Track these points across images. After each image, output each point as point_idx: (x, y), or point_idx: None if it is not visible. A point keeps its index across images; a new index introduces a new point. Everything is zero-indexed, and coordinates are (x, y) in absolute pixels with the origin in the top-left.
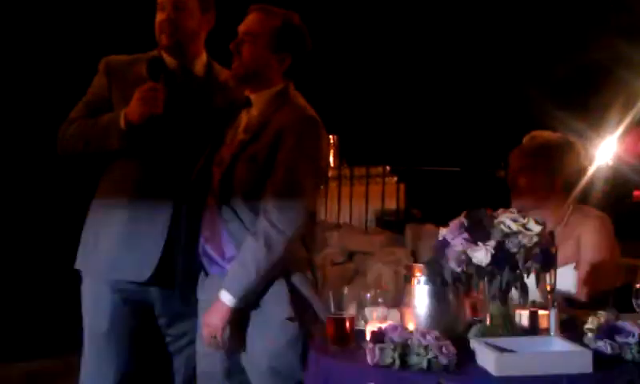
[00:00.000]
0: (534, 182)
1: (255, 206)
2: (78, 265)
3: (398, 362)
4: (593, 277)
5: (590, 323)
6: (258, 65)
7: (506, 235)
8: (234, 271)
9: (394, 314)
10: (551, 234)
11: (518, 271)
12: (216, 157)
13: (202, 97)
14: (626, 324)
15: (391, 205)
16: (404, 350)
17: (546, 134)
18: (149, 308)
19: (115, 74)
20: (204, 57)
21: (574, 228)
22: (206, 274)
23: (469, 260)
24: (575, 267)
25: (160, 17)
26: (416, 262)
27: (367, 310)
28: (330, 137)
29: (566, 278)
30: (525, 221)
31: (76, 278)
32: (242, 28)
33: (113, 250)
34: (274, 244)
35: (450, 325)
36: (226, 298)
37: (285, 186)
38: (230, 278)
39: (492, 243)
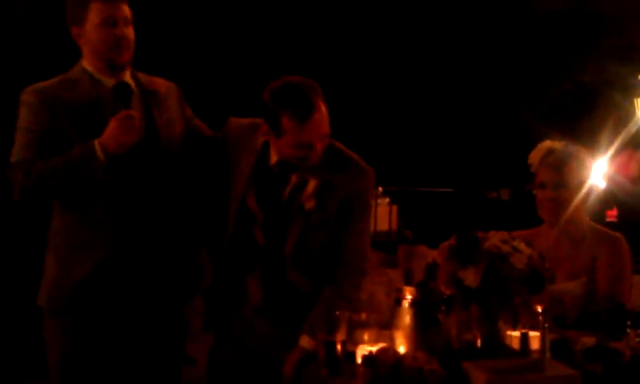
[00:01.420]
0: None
1: (323, 261)
2: (41, 302)
3: None
4: (608, 297)
5: (581, 345)
6: None
7: (497, 257)
8: (319, 320)
9: (385, 336)
10: (541, 256)
11: (508, 293)
12: (254, 212)
13: (147, 110)
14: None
15: (383, 226)
16: (395, 372)
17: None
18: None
19: (53, 102)
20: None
21: (590, 247)
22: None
23: (459, 282)
24: (585, 284)
25: (112, 32)
26: (408, 283)
27: (358, 332)
28: None
29: (576, 292)
30: (515, 243)
31: None
32: (316, 132)
33: (93, 285)
34: (351, 292)
35: (440, 347)
36: (307, 343)
37: (357, 244)
38: (314, 326)
39: (482, 265)
